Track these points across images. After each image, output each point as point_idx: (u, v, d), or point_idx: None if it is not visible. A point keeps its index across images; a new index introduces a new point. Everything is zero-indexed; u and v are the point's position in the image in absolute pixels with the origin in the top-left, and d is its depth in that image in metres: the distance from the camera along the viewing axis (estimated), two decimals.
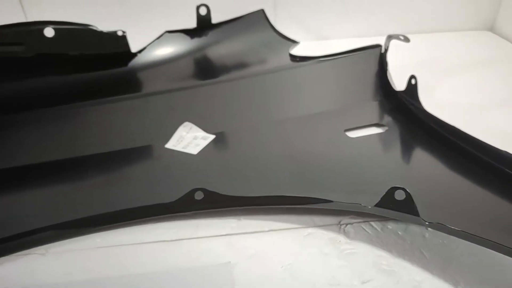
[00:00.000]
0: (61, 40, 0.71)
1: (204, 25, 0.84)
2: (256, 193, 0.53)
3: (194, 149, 0.65)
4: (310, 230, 0.51)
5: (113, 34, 0.74)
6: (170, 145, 0.67)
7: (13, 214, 0.53)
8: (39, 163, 0.62)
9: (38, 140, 0.68)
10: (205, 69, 0.83)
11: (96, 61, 0.76)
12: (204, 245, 0.49)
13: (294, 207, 0.52)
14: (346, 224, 0.51)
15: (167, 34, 0.83)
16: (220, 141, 0.67)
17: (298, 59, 0.85)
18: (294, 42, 0.89)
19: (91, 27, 0.73)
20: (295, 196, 0.52)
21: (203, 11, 0.83)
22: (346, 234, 0.50)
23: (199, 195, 0.52)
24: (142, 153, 0.65)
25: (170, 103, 0.75)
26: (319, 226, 0.51)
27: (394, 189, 0.45)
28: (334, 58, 0.82)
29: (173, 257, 0.48)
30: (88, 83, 0.76)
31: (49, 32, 0.70)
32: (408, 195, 0.44)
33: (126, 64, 0.79)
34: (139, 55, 0.80)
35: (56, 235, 0.50)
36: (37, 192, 0.57)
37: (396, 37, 0.76)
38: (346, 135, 0.66)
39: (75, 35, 0.72)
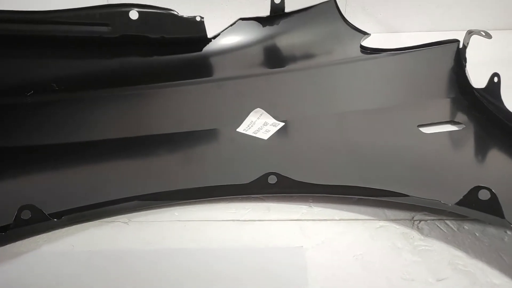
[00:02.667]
0: (144, 22, 0.74)
1: (276, 13, 0.85)
2: (327, 181, 0.53)
3: (264, 135, 0.67)
4: (381, 223, 0.50)
5: (192, 19, 0.77)
6: (241, 129, 0.68)
7: (100, 183, 0.57)
8: (120, 137, 0.66)
9: (117, 116, 0.72)
10: (274, 57, 0.84)
11: (173, 45, 0.79)
12: (275, 228, 0.51)
13: (365, 198, 0.52)
14: (420, 221, 0.50)
15: (240, 21, 0.84)
16: (288, 128, 0.68)
17: (369, 51, 0.84)
18: (365, 33, 0.87)
19: (172, 11, 0.75)
20: (369, 188, 0.52)
21: (277, 0, 0.83)
22: (420, 230, 0.49)
23: (272, 179, 0.53)
24: (214, 134, 0.68)
25: (240, 89, 0.77)
26: (391, 220, 0.51)
27: (478, 188, 0.43)
28: (408, 52, 0.80)
29: (246, 236, 0.50)
30: (165, 66, 0.79)
31: (134, 14, 0.73)
32: (493, 195, 0.42)
33: (200, 49, 0.82)
34: (213, 40, 0.82)
35: (139, 206, 0.53)
36: (121, 165, 0.61)
37: (478, 32, 0.72)
38: (420, 131, 0.65)
39: (157, 19, 0.75)
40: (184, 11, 0.76)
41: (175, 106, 0.74)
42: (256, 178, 0.53)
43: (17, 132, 0.68)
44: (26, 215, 0.49)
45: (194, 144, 0.65)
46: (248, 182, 0.53)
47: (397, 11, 1.01)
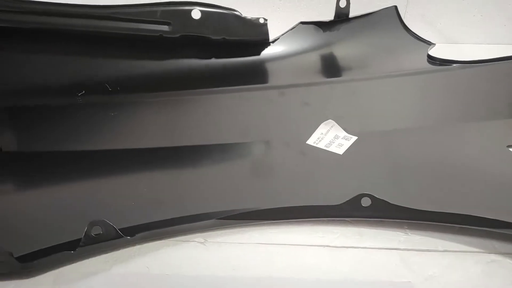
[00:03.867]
0: (206, 23, 0.69)
1: (340, 18, 0.80)
2: (426, 206, 0.48)
3: (338, 149, 0.61)
4: (493, 256, 0.45)
5: (255, 21, 0.72)
6: (311, 141, 0.63)
7: (174, 198, 0.52)
8: (184, 146, 0.61)
9: (176, 122, 0.67)
10: (337, 64, 0.79)
11: (233, 47, 0.74)
12: (373, 257, 0.45)
13: (472, 228, 0.47)
14: None
15: (301, 25, 0.79)
16: (362, 143, 0.63)
17: (438, 62, 0.78)
18: (429, 43, 0.82)
19: (235, 12, 0.71)
20: (475, 216, 0.46)
21: (342, 4, 0.78)
22: None
23: (366, 202, 0.48)
24: (281, 146, 0.62)
25: (303, 98, 0.72)
26: (503, 254, 0.45)
27: None
28: (484, 65, 0.75)
29: (341, 266, 0.45)
30: (222, 69, 0.74)
31: (196, 13, 0.69)
32: None
33: (259, 53, 0.77)
34: (272, 44, 0.77)
35: (216, 225, 0.48)
36: (192, 177, 0.56)
37: None
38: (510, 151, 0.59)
39: (220, 19, 0.70)
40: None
41: (235, 112, 0.69)
42: (348, 199, 0.48)
43: (73, 136, 0.63)
44: (97, 231, 0.44)
45: (262, 157, 0.60)
46: (339, 203, 0.48)
47: (457, 21, 0.96)
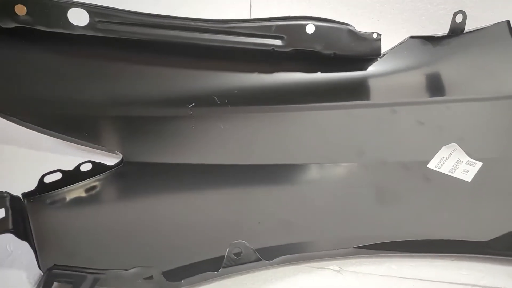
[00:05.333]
0: (319, 37, 0.68)
1: (454, 33, 0.76)
2: None
3: (465, 175, 0.58)
4: None
5: (368, 36, 0.70)
6: (432, 165, 0.60)
7: (302, 218, 0.51)
8: (292, 164, 0.61)
9: (283, 137, 0.66)
10: (448, 82, 0.75)
11: (342, 62, 0.72)
12: None
13: None
14: None
15: (410, 39, 0.76)
16: (489, 170, 0.59)
17: None
18: None
19: (349, 27, 0.69)
20: None
21: (459, 19, 0.74)
22: None
23: None
24: (402, 169, 0.60)
25: (418, 117, 0.69)
26: None
27: None
28: None
29: None
30: (330, 84, 0.72)
31: (310, 28, 0.67)
32: None
33: (366, 68, 0.74)
34: (379, 59, 0.75)
35: (352, 253, 0.47)
36: (315, 197, 0.55)
37: None
38: None
39: (333, 34, 0.69)
40: None
41: (345, 129, 0.67)
42: (498, 235, 0.44)
43: (187, 148, 0.64)
44: (237, 253, 0.44)
45: (382, 181, 0.58)
46: (486, 240, 0.45)
47: None
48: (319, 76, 0.73)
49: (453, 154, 0.61)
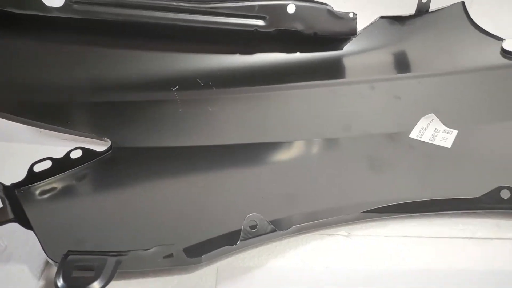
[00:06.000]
0: (299, 17, 0.69)
1: (420, 13, 0.80)
2: None
3: (444, 143, 0.62)
4: None
5: (345, 16, 0.72)
6: (414, 135, 0.64)
7: (304, 190, 0.52)
8: (281, 141, 0.62)
9: (267, 116, 0.67)
10: (417, 59, 0.80)
11: (319, 42, 0.74)
12: None
13: None
14: None
15: (381, 19, 0.79)
16: (465, 138, 0.64)
17: None
18: (499, 38, 0.83)
19: (327, 7, 0.71)
20: None
21: None
22: None
23: (505, 194, 0.49)
24: (387, 140, 0.63)
25: (395, 92, 0.72)
26: None
27: None
28: None
29: (489, 256, 0.46)
30: (310, 64, 0.74)
31: (291, 8, 0.68)
32: None
33: (342, 47, 0.77)
34: (353, 39, 0.77)
35: (359, 218, 0.49)
36: (314, 171, 0.56)
37: None
38: None
39: (312, 13, 0.70)
40: None
41: (330, 106, 0.69)
42: (487, 192, 0.48)
43: (174, 131, 0.62)
44: (253, 225, 0.44)
45: (372, 151, 0.60)
46: (478, 196, 0.49)
47: None
48: (298, 56, 0.74)
49: (431, 124, 0.66)
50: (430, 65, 0.78)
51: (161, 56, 0.68)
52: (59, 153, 0.52)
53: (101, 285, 0.35)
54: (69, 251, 0.38)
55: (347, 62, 0.76)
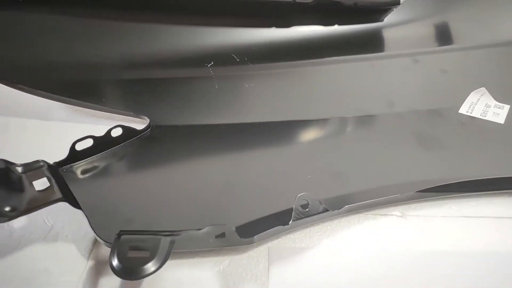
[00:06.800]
0: None
1: None
2: None
3: (497, 118, 0.59)
4: None
5: None
6: (463, 110, 0.61)
7: (352, 168, 0.50)
8: (324, 118, 0.59)
9: (309, 92, 0.64)
10: (458, 31, 0.75)
11: (359, 14, 0.70)
12: None
13: None
14: None
15: None
16: None
17: None
18: None
19: None
20: None
21: None
22: None
23: None
24: (435, 116, 0.60)
25: (441, 65, 0.69)
26: None
27: None
28: None
29: None
30: (345, 38, 0.71)
31: None
32: None
33: (383, 19, 0.73)
34: (395, 10, 0.73)
35: (413, 198, 0.46)
36: (361, 148, 0.54)
37: None
38: None
39: None
40: None
41: (373, 81, 0.66)
42: None
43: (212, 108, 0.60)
44: (304, 205, 0.42)
45: (420, 127, 0.57)
46: None
47: None
48: (336, 29, 0.71)
49: (481, 99, 0.62)
50: (475, 37, 0.74)
51: (196, 31, 0.65)
52: (96, 131, 0.50)
53: (156, 266, 0.34)
54: (121, 231, 0.37)
55: (388, 34, 0.72)
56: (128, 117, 0.58)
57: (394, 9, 0.73)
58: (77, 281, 0.39)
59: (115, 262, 0.34)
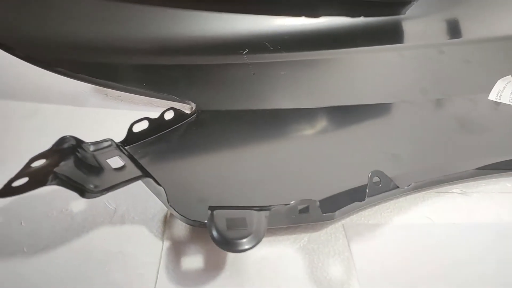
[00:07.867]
0: None
1: None
2: None
3: None
4: None
5: None
6: (492, 97, 0.63)
7: (408, 149, 0.51)
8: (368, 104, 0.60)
9: (346, 80, 0.65)
10: (478, 23, 0.79)
11: (382, 7, 0.72)
12: None
13: None
14: None
15: None
16: None
17: None
18: None
19: None
20: None
21: None
22: None
23: None
24: (469, 102, 0.62)
25: (464, 56, 0.71)
26: None
27: None
28: None
29: None
30: (371, 29, 0.73)
31: None
32: None
33: (405, 11, 0.75)
34: (415, 3, 0.76)
35: (473, 175, 0.48)
36: (408, 133, 0.55)
37: None
38: None
39: None
40: None
41: (404, 70, 0.68)
42: None
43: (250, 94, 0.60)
44: (377, 181, 0.43)
45: (458, 113, 0.59)
46: None
47: None
48: (363, 20, 0.73)
49: (507, 86, 0.65)
50: (496, 28, 0.78)
51: (228, 18, 0.65)
52: (132, 118, 0.47)
53: (256, 240, 0.34)
54: (210, 206, 0.36)
55: (409, 26, 0.75)
56: (164, 103, 0.56)
57: (415, 2, 0.75)
58: (157, 262, 0.38)
59: (215, 234, 0.33)
